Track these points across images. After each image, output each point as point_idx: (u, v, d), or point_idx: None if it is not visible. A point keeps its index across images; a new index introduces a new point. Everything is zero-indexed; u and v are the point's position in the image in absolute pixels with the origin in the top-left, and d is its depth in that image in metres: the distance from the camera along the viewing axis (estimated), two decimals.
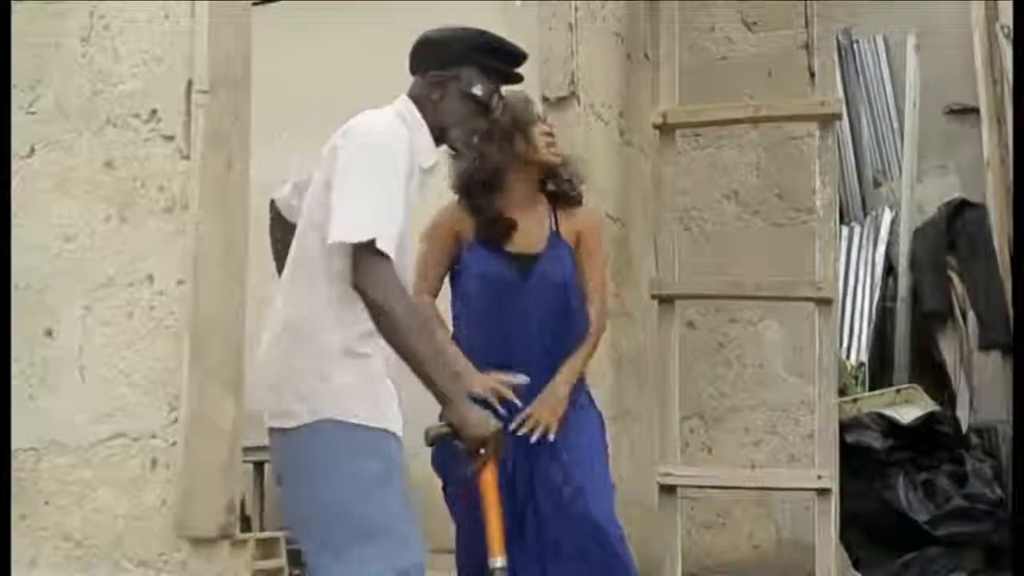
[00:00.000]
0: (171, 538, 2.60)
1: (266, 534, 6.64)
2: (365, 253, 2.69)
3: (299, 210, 3.00)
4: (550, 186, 3.81)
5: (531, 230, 3.77)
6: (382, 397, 2.84)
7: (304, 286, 2.82)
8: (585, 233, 3.83)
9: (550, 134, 3.77)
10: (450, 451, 3.11)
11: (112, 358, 2.70)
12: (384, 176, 2.81)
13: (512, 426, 3.54)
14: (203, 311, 2.63)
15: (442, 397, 2.93)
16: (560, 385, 3.66)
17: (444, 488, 3.64)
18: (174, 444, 2.62)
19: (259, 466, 7.18)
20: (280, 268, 3.09)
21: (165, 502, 2.62)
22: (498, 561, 3.24)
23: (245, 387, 2.73)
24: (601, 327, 3.86)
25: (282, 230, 3.08)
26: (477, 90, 3.07)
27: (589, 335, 3.78)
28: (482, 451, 3.01)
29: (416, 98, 3.01)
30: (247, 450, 5.30)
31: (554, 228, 3.79)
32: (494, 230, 3.74)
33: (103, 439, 2.68)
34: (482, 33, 3.11)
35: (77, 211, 2.79)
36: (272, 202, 2.99)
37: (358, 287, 2.72)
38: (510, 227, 3.75)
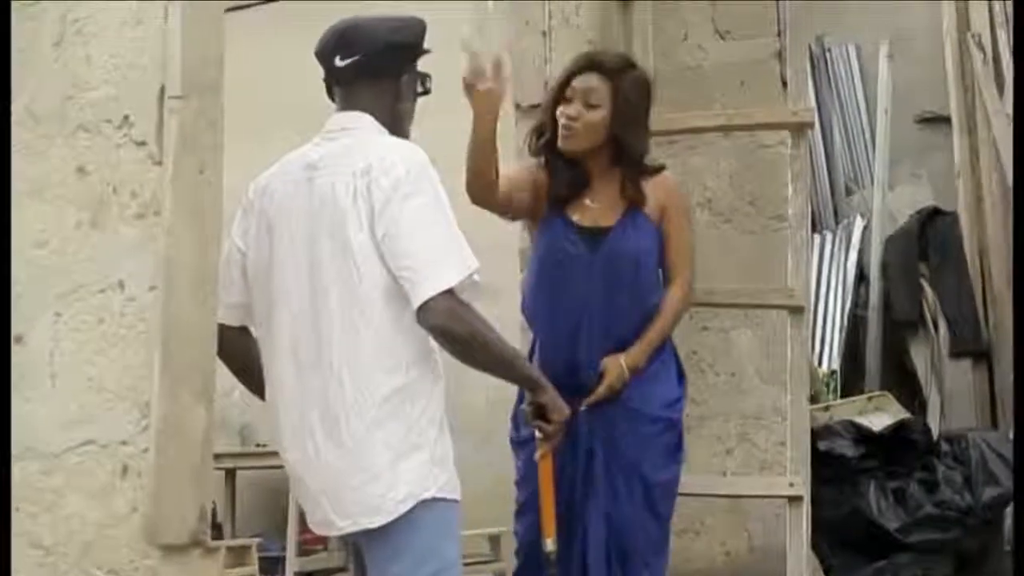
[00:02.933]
0: (142, 545, 2.59)
1: (238, 541, 6.64)
2: (443, 296, 2.62)
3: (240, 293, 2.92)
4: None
5: (603, 203, 3.70)
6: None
7: (376, 355, 2.70)
8: (671, 210, 3.76)
9: (571, 117, 3.69)
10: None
11: (83, 364, 2.69)
12: (441, 205, 2.73)
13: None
14: (174, 317, 2.62)
15: (534, 384, 3.00)
16: (613, 360, 3.61)
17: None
18: (145, 451, 2.60)
19: (230, 473, 7.15)
20: (259, 388, 2.97)
21: (136, 509, 2.61)
22: (548, 544, 3.33)
23: (216, 394, 2.71)
24: (677, 310, 3.77)
25: (243, 342, 3.00)
26: (424, 84, 3.00)
27: (660, 315, 3.71)
28: (551, 432, 3.11)
29: (376, 111, 2.91)
30: (218, 457, 5.27)
31: (634, 201, 3.70)
32: (568, 183, 3.69)
33: (73, 446, 2.67)
34: (420, 21, 2.99)
35: (48, 217, 2.77)
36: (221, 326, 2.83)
37: (437, 328, 2.64)
38: (584, 182, 3.70)
